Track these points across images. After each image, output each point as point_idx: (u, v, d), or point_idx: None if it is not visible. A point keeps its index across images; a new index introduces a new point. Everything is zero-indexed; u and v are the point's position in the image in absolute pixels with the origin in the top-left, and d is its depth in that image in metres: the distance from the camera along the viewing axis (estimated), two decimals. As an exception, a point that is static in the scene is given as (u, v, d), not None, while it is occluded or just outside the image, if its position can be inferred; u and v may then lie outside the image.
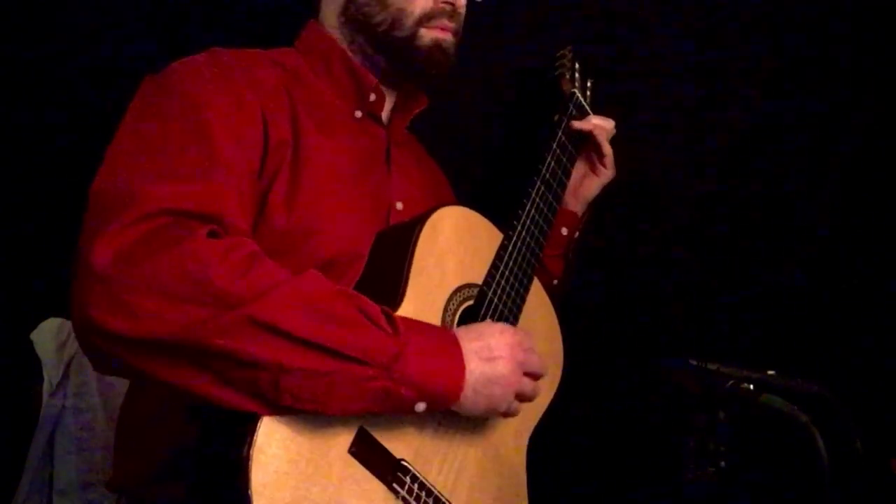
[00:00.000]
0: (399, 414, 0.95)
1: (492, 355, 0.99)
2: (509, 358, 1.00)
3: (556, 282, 1.37)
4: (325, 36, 1.18)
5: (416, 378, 0.91)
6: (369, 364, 0.88)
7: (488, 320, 1.07)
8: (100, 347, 0.86)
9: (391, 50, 1.15)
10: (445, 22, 1.16)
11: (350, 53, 1.17)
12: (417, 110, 1.23)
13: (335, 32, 1.18)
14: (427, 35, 1.14)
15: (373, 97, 1.17)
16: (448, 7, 1.16)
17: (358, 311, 0.91)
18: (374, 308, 0.92)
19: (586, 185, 1.37)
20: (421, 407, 0.92)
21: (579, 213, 1.38)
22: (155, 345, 0.83)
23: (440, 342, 0.97)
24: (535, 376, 1.05)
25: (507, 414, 1.03)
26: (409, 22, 1.13)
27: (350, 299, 0.92)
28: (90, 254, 0.83)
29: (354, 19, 1.16)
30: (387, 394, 0.89)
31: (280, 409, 0.86)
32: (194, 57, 1.04)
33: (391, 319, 0.92)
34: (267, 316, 0.84)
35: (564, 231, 1.37)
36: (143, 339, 0.83)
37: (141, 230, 0.85)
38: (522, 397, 1.03)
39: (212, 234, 0.88)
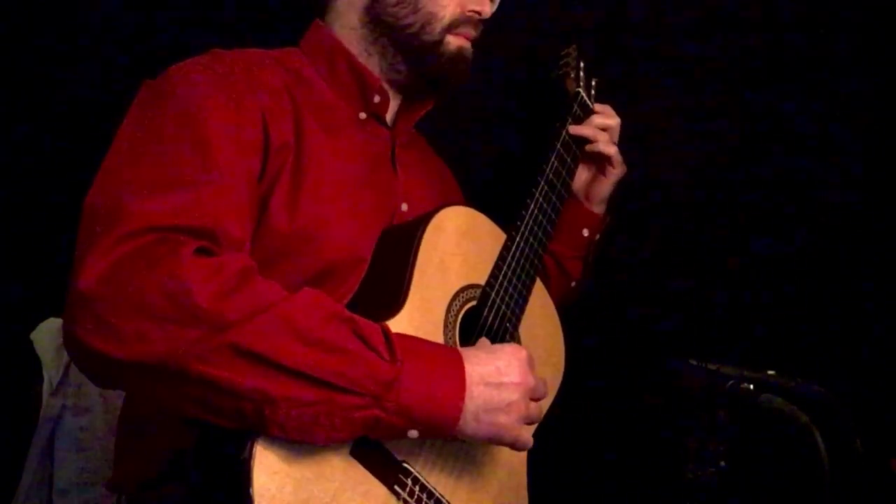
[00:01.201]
0: (391, 440, 0.93)
1: (500, 380, 0.94)
2: (520, 383, 0.95)
3: (574, 284, 1.36)
4: (330, 36, 1.15)
5: (409, 407, 0.87)
6: (359, 393, 0.85)
7: (484, 340, 1.02)
8: (89, 366, 0.86)
9: (416, 53, 1.14)
10: (470, 31, 1.16)
11: (360, 55, 1.15)
12: (423, 112, 1.22)
13: (350, 32, 1.15)
14: (453, 42, 1.14)
15: (377, 99, 1.15)
16: (475, 16, 1.15)
17: (352, 334, 0.87)
18: (372, 328, 0.89)
19: (597, 185, 1.35)
20: (414, 434, 0.89)
21: (600, 214, 1.37)
22: (140, 367, 0.82)
23: (441, 365, 0.92)
24: (538, 401, 1.00)
25: (517, 445, 0.96)
26: (439, 27, 1.12)
27: (344, 322, 0.88)
28: (77, 273, 0.82)
29: (380, 20, 1.13)
30: (377, 422, 0.87)
31: (270, 437, 0.84)
32: (194, 59, 1.03)
33: (389, 341, 0.89)
34: (251, 343, 0.82)
35: (586, 233, 1.35)
36: (128, 361, 0.81)
37: (126, 249, 0.83)
38: (530, 422, 0.98)
39: (200, 251, 0.86)
